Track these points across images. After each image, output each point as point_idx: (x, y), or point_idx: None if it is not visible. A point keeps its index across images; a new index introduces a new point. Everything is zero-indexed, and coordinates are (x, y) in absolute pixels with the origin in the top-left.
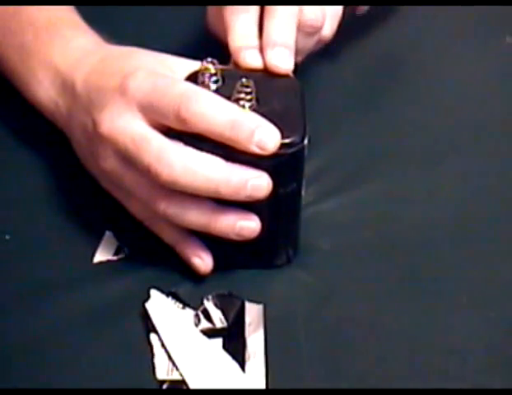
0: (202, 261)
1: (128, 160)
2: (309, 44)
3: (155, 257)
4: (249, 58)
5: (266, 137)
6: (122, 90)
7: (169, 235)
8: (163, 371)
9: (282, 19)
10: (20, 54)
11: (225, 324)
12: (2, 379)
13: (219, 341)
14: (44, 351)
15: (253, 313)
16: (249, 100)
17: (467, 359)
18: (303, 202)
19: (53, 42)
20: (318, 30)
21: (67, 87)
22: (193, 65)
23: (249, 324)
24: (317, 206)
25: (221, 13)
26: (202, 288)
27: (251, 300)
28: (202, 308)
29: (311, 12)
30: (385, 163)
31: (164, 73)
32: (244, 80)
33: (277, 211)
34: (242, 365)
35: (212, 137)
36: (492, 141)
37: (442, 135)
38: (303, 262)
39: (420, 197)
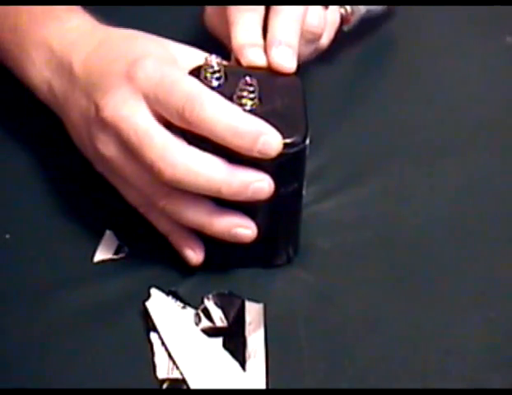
0: (194, 253)
1: (130, 150)
2: (307, 50)
3: (155, 257)
4: (252, 56)
5: (268, 144)
6: (129, 77)
7: (163, 225)
8: (163, 370)
9: (288, 19)
10: (14, 35)
11: (225, 323)
12: (2, 379)
13: (219, 341)
14: (44, 351)
15: (253, 312)
16: (252, 99)
17: (467, 359)
18: (303, 201)
19: (47, 23)
20: (318, 37)
21: (63, 68)
22: (195, 53)
23: (250, 323)
24: (317, 205)
25: (224, 11)
26: (202, 287)
27: (251, 299)
28: (202, 307)
29: (314, 19)
30: (385, 162)
31: (170, 63)
32: (247, 78)
33: (278, 210)
34: (242, 364)
35: (215, 140)
36: (492, 140)
37: (442, 134)
38: (303, 261)
39: (420, 197)
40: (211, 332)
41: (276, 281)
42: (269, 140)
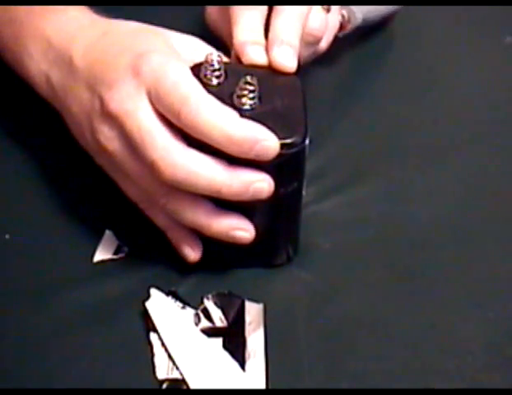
0: (192, 250)
1: (133, 146)
2: (306, 53)
3: (155, 257)
4: (253, 54)
5: (264, 149)
6: (135, 71)
7: (162, 221)
8: (163, 370)
9: (290, 19)
10: (12, 28)
11: (225, 323)
12: (2, 379)
13: (219, 341)
14: (45, 351)
15: (253, 312)
16: (252, 98)
17: (467, 359)
18: (303, 201)
19: (45, 14)
20: (318, 40)
21: (62, 60)
22: (196, 44)
23: (249, 323)
24: (317, 205)
25: (226, 10)
26: (202, 287)
27: (251, 299)
28: (202, 307)
29: (316, 22)
30: (385, 162)
31: (175, 57)
32: (248, 77)
33: (278, 210)
34: (242, 364)
35: (211, 144)
36: (492, 140)
37: (442, 134)
38: (303, 261)
39: (420, 196)
40: (210, 332)
41: (276, 280)
42: (265, 145)
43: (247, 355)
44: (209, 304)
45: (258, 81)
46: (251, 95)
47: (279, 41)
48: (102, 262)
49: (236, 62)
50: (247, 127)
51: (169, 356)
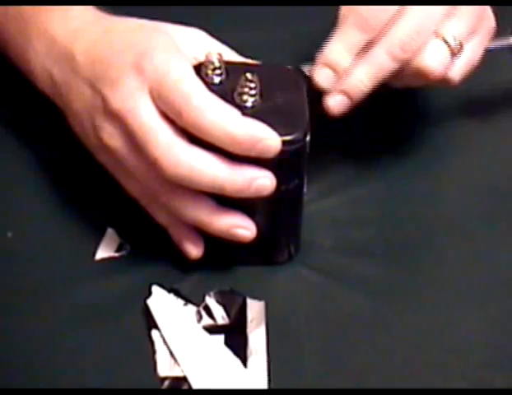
0: (194, 246)
1: (135, 144)
2: (416, 83)
3: (157, 254)
4: (319, 76)
5: (266, 148)
6: (137, 69)
7: (164, 218)
8: (165, 368)
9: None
10: (17, 24)
11: (226, 321)
12: (2, 379)
13: (221, 338)
14: (46, 349)
15: (254, 309)
16: (253, 96)
17: (468, 357)
18: (305, 198)
19: (50, 12)
20: (434, 78)
21: (64, 57)
22: (197, 35)
23: (251, 321)
24: (319, 203)
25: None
26: (203, 284)
27: (253, 297)
28: (203, 304)
29: (433, 60)
30: (387, 161)
31: (178, 55)
32: (248, 75)
33: (279, 207)
34: (244, 362)
35: (212, 143)
36: (492, 139)
37: (442, 134)
38: (305, 259)
39: (421, 195)
40: (212, 330)
41: (277, 278)
42: (267, 144)
43: (249, 352)
44: (211, 301)
45: (260, 78)
46: (252, 92)
47: (345, 84)
48: (104, 259)
49: (237, 61)
50: (249, 126)
51: (171, 353)
